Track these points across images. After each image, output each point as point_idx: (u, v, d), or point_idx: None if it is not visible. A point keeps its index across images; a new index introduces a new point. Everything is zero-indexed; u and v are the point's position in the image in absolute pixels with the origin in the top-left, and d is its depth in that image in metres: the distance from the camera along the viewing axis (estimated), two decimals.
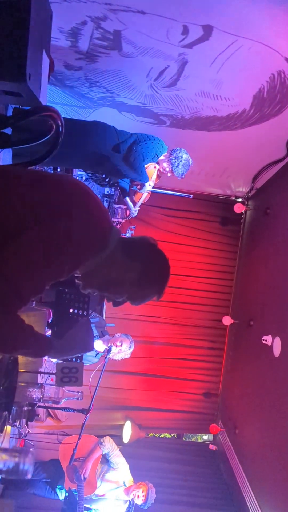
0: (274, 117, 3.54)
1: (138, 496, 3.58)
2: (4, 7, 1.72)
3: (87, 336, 1.55)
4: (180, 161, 3.24)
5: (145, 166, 3.24)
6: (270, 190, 4.58)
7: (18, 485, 3.89)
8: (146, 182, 3.34)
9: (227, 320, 5.02)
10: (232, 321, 4.97)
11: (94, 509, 3.68)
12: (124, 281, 1.44)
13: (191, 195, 3.50)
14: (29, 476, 0.78)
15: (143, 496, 3.57)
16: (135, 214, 3.65)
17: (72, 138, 2.09)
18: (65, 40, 2.88)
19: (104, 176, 3.36)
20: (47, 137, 1.68)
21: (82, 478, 3.50)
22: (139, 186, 3.45)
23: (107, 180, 3.39)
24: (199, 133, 3.89)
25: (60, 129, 1.64)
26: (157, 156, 3.24)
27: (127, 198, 3.50)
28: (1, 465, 0.79)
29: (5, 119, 1.69)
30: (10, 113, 2.50)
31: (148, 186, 3.41)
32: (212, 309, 5.26)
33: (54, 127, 1.64)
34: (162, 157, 3.30)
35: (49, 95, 3.40)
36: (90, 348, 1.58)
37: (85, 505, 3.47)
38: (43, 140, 1.71)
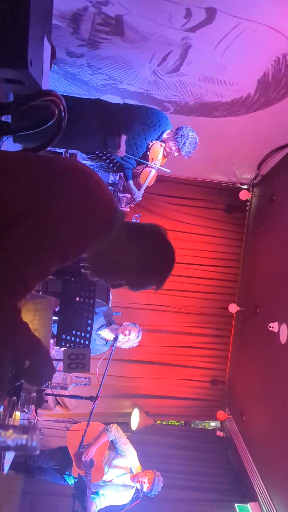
0: (279, 101, 3.50)
1: (144, 483, 3.63)
2: None
3: (45, 370, 1.45)
4: (187, 139, 3.12)
5: (151, 143, 3.19)
6: (275, 177, 4.54)
7: (28, 472, 3.95)
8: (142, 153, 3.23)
9: (233, 308, 5.01)
10: (238, 308, 4.97)
11: (102, 494, 3.74)
12: (125, 265, 1.43)
13: (170, 171, 3.38)
14: (37, 452, 0.79)
15: (149, 483, 3.61)
16: (140, 198, 3.57)
17: (74, 116, 2.04)
18: (67, 26, 2.86)
19: (106, 159, 3.29)
20: (49, 123, 1.67)
21: (85, 462, 3.54)
22: (151, 160, 3.28)
23: (111, 165, 3.35)
24: (203, 119, 3.85)
25: (63, 115, 1.63)
26: (160, 125, 3.14)
27: (131, 181, 3.44)
28: (10, 442, 0.80)
29: (7, 105, 1.68)
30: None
31: (155, 165, 3.30)
32: (218, 297, 5.26)
33: (57, 112, 1.63)
34: (166, 135, 3.21)
35: (51, 83, 3.37)
36: (42, 382, 1.51)
37: (93, 490, 3.52)
38: (45, 126, 1.70)
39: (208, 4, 2.57)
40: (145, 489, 3.62)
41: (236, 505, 4.01)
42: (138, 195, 3.52)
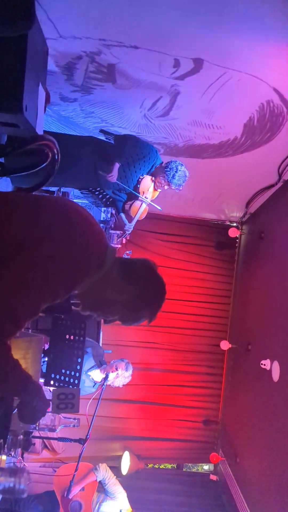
0: (265, 144, 3.64)
1: None
2: (2, 43, 1.79)
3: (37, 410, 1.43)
4: (176, 172, 3.20)
5: (141, 177, 3.26)
6: (263, 215, 4.65)
7: None
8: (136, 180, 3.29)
9: (225, 345, 4.99)
10: (230, 345, 4.94)
11: None
12: (117, 301, 1.44)
13: (161, 208, 3.45)
14: (25, 495, 0.77)
15: None
16: (130, 230, 3.61)
17: (66, 153, 2.11)
18: (61, 73, 2.99)
19: (99, 194, 3.36)
20: (43, 165, 1.72)
21: (72, 505, 3.39)
22: (142, 193, 3.34)
23: (103, 200, 3.40)
24: (192, 160, 3.98)
25: (56, 157, 1.69)
26: (150, 158, 3.22)
27: (122, 214, 3.49)
28: None
29: (2, 149, 1.73)
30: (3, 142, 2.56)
31: (145, 199, 3.37)
32: (210, 334, 5.24)
33: (50, 155, 1.69)
34: (156, 169, 3.29)
35: (45, 126, 3.49)
36: (36, 419, 1.48)
37: None
38: (39, 168, 1.75)
39: (196, 55, 2.72)
40: None
41: None
42: (129, 227, 3.56)
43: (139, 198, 3.37)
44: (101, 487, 3.81)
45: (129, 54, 2.75)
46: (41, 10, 2.38)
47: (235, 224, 5.30)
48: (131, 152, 3.16)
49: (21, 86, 1.89)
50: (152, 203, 3.42)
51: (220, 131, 3.53)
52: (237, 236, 5.24)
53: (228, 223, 5.31)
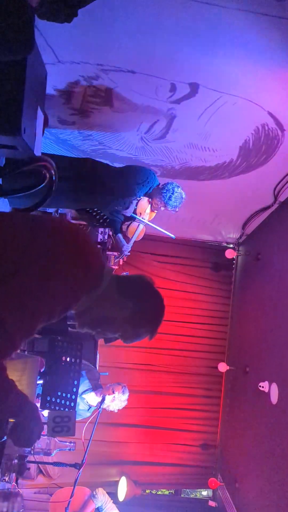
0: (261, 166, 3.69)
1: None
2: (2, 67, 1.83)
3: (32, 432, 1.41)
4: (172, 193, 3.22)
5: (138, 198, 3.29)
6: (260, 236, 4.67)
7: None
8: (135, 198, 3.31)
9: (222, 367, 4.94)
10: (228, 367, 4.89)
11: None
12: (116, 319, 1.44)
13: (174, 236, 3.49)
14: None
15: None
16: (128, 251, 3.62)
17: (63, 174, 2.12)
18: (59, 97, 3.05)
19: (95, 215, 3.38)
20: (40, 186, 1.74)
21: None
22: (140, 214, 3.39)
23: (100, 221, 3.42)
24: (189, 182, 4.03)
25: (54, 178, 1.71)
26: (149, 182, 3.25)
27: (120, 235, 3.50)
28: None
29: (0, 170, 1.75)
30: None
31: (142, 219, 3.39)
32: (207, 356, 5.19)
33: (48, 176, 1.71)
34: (153, 191, 3.32)
35: (43, 148, 3.54)
36: (32, 442, 1.45)
37: None
38: (36, 189, 1.77)
39: (192, 79, 2.79)
40: None
41: None
42: (127, 248, 3.57)
43: (136, 219, 3.39)
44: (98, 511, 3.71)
45: (126, 79, 2.82)
46: (40, 36, 2.44)
47: (231, 246, 5.32)
48: (130, 183, 3.22)
49: (19, 109, 1.93)
50: (163, 230, 3.47)
51: (216, 153, 3.58)
52: (234, 257, 5.25)
53: (225, 244, 5.34)
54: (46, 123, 2.77)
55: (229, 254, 5.17)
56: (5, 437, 1.54)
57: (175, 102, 3.01)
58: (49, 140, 3.57)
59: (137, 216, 3.37)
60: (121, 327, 1.46)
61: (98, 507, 3.67)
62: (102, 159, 3.71)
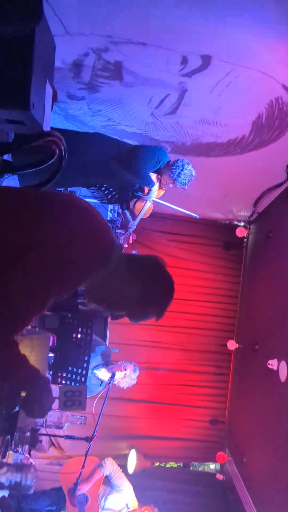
0: (273, 142, 3.61)
1: None
2: (9, 40, 1.79)
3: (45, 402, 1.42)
4: (181, 170, 3.16)
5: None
6: (271, 214, 4.61)
7: None
8: (151, 185, 3.26)
9: (231, 345, 4.96)
10: (237, 345, 4.92)
11: None
12: (124, 297, 1.43)
13: (198, 216, 3.46)
14: (31, 491, 0.77)
15: None
16: (134, 227, 3.60)
17: (73, 149, 2.10)
18: (68, 71, 2.98)
19: (105, 190, 3.35)
20: (50, 162, 1.72)
21: (78, 498, 3.41)
22: (145, 191, 3.36)
23: (109, 197, 3.39)
24: (200, 159, 3.96)
25: (63, 154, 1.68)
26: (159, 162, 3.20)
27: (127, 211, 3.48)
28: (4, 480, 0.78)
29: (8, 145, 1.73)
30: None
31: (149, 197, 3.36)
32: (217, 334, 5.21)
33: (57, 152, 1.68)
34: (163, 167, 3.27)
35: (52, 123, 3.48)
36: (44, 413, 1.48)
37: None
38: (46, 165, 1.75)
39: (204, 51, 2.70)
40: None
41: None
42: (132, 225, 3.55)
43: (143, 196, 3.36)
44: (107, 480, 3.81)
45: (137, 51, 2.74)
46: (48, 6, 2.37)
47: (242, 224, 5.27)
48: (141, 163, 3.16)
49: (28, 83, 1.88)
50: (186, 211, 3.41)
51: (228, 129, 3.50)
52: (245, 235, 5.20)
53: (236, 222, 5.28)
54: (55, 98, 2.72)
55: (240, 232, 5.12)
56: (17, 408, 1.57)
57: (186, 75, 2.93)
58: (58, 115, 3.52)
59: (142, 195, 3.33)
60: (128, 306, 1.46)
61: (106, 476, 3.77)
62: (112, 135, 3.66)
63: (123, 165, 3.09)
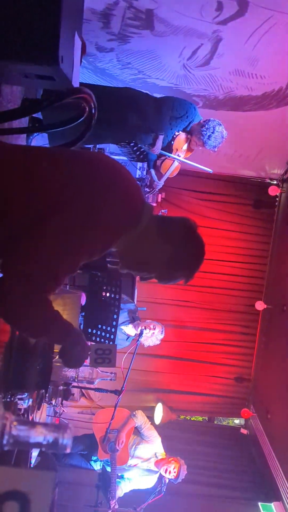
0: None
1: (170, 472, 3.64)
2: None
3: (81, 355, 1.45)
4: (212, 132, 3.03)
5: (177, 133, 3.15)
6: None
7: (56, 456, 4.03)
8: (166, 142, 3.17)
9: (260, 305, 4.95)
10: (265, 306, 4.90)
11: (127, 478, 3.80)
12: (153, 260, 1.42)
13: (211, 170, 3.36)
14: (68, 450, 0.80)
15: (174, 472, 3.63)
16: (160, 187, 3.54)
17: (101, 105, 2.04)
18: (97, 21, 2.86)
19: (134, 147, 3.26)
20: (80, 119, 1.68)
21: (118, 449, 3.62)
22: (174, 152, 3.25)
23: (137, 153, 3.31)
24: (232, 113, 3.79)
25: (93, 111, 1.64)
26: (188, 117, 3.08)
27: (153, 170, 3.41)
28: (41, 439, 0.82)
29: (39, 102, 1.69)
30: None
31: (178, 157, 3.26)
32: (245, 294, 5.20)
33: (87, 109, 1.64)
34: (194, 127, 3.14)
35: (81, 78, 3.39)
36: (81, 363, 1.51)
37: (118, 473, 3.60)
38: (76, 123, 1.71)
39: None
40: (170, 477, 3.65)
41: (259, 503, 3.98)
42: (158, 184, 3.49)
43: (170, 156, 3.27)
44: (137, 431, 4.01)
45: None
46: None
47: (275, 182, 5.09)
48: (168, 116, 3.03)
49: (57, 36, 1.80)
50: (198, 166, 3.30)
51: (264, 81, 3.32)
52: (277, 194, 5.04)
53: (268, 180, 5.11)
54: (83, 51, 2.62)
55: (273, 191, 4.96)
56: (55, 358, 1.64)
57: (221, 23, 2.76)
58: (86, 69, 3.41)
59: (167, 153, 3.23)
60: (157, 268, 1.45)
61: (137, 426, 3.96)
62: (142, 89, 3.53)
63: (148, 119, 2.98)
